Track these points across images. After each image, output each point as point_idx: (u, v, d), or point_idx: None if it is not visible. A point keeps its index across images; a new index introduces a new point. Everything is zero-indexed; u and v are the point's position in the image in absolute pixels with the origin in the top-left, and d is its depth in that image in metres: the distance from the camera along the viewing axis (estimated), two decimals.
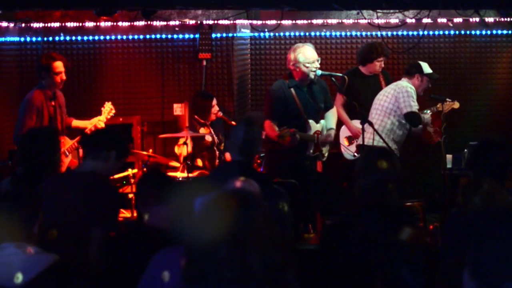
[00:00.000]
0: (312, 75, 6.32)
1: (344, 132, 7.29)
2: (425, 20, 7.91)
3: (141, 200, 3.73)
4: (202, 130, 7.35)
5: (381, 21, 8.08)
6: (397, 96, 6.55)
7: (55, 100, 6.49)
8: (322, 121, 6.52)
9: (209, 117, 7.45)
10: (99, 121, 6.75)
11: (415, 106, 6.50)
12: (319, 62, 6.39)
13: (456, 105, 7.16)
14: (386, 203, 3.45)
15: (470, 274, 1.82)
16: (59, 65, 6.47)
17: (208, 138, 7.30)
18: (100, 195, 3.96)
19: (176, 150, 7.25)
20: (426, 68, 6.73)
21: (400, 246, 3.29)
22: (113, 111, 6.92)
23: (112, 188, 4.41)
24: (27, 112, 6.34)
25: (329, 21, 8.29)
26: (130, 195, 7.11)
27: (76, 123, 6.79)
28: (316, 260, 3.54)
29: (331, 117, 6.64)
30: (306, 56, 6.29)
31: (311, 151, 6.39)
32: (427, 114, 6.81)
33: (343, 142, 7.23)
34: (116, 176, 7.21)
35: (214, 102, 7.50)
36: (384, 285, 3.27)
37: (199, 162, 7.29)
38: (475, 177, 3.87)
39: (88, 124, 6.73)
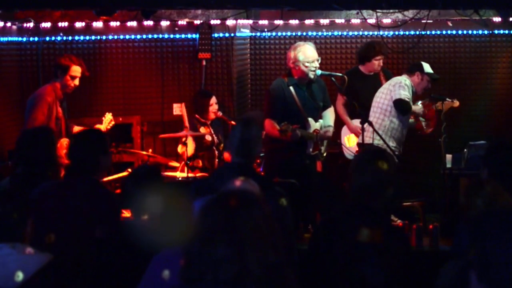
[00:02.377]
0: (311, 75, 6.31)
1: (344, 132, 7.31)
2: (425, 20, 7.91)
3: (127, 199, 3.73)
4: (202, 130, 7.36)
5: (380, 21, 8.07)
6: (391, 90, 6.56)
7: (63, 103, 6.48)
8: (320, 121, 6.53)
9: (208, 116, 7.44)
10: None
11: (404, 95, 6.49)
12: (319, 61, 6.38)
13: (456, 104, 7.24)
14: (373, 205, 3.44)
15: (478, 277, 1.81)
16: (77, 70, 6.44)
17: (208, 137, 7.30)
18: (100, 197, 4.02)
19: (179, 149, 7.25)
20: (427, 67, 6.74)
21: (359, 246, 3.30)
22: (113, 122, 6.93)
23: (110, 191, 4.45)
24: (39, 107, 6.25)
25: (329, 21, 8.29)
26: None
27: (77, 129, 6.77)
28: (304, 259, 3.55)
29: (329, 116, 6.65)
30: (306, 55, 6.28)
31: (311, 149, 6.39)
32: (418, 106, 6.82)
33: (344, 141, 7.24)
34: (115, 176, 7.22)
35: (213, 100, 7.50)
36: (346, 285, 3.29)
37: (199, 163, 7.29)
38: (490, 175, 3.86)
39: None
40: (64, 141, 6.48)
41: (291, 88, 6.32)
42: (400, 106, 6.49)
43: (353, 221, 3.41)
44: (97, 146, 4.20)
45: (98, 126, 6.79)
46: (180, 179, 6.81)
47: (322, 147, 6.50)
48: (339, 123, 7.30)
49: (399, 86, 6.52)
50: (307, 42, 6.49)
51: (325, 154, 6.58)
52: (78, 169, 4.15)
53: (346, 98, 6.93)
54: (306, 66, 6.28)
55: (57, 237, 3.85)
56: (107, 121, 6.88)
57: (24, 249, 2.75)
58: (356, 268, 3.29)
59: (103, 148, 4.24)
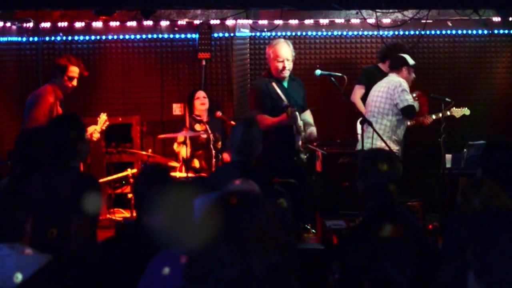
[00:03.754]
0: (280, 73, 6.33)
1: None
2: (424, 20, 7.92)
3: (139, 199, 3.72)
4: (197, 127, 7.35)
5: (380, 20, 8.07)
6: (391, 93, 6.56)
7: (62, 104, 6.48)
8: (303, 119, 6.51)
9: (194, 110, 7.41)
10: (95, 131, 6.74)
11: (410, 100, 6.53)
12: (290, 61, 6.38)
13: (468, 112, 7.49)
14: (391, 204, 3.46)
15: (476, 277, 1.81)
16: (74, 70, 6.45)
17: (203, 135, 7.27)
18: (80, 185, 3.95)
19: (175, 147, 7.25)
20: (410, 60, 6.77)
21: (382, 242, 3.30)
22: (107, 122, 6.93)
23: (93, 178, 4.29)
24: (40, 107, 6.23)
25: (329, 20, 8.29)
26: (130, 195, 7.11)
27: None
28: (331, 269, 3.52)
29: (308, 116, 6.61)
30: (276, 53, 6.36)
31: (300, 143, 6.32)
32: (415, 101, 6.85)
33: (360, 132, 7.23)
34: (116, 176, 7.23)
35: (199, 94, 7.47)
36: (371, 283, 3.28)
37: (196, 163, 7.27)
38: (483, 175, 3.87)
39: None
40: None
41: (273, 83, 6.34)
42: (409, 112, 6.55)
43: (375, 220, 3.41)
44: (74, 133, 4.03)
45: (93, 126, 6.79)
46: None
47: (308, 144, 6.46)
48: (351, 117, 7.27)
49: (402, 91, 6.51)
50: (286, 41, 6.52)
51: (307, 156, 6.51)
52: (56, 159, 4.01)
53: (364, 90, 7.06)
54: (276, 65, 6.33)
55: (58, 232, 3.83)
56: (101, 121, 6.89)
57: (23, 250, 2.75)
58: (380, 265, 3.28)
59: (80, 135, 4.07)
